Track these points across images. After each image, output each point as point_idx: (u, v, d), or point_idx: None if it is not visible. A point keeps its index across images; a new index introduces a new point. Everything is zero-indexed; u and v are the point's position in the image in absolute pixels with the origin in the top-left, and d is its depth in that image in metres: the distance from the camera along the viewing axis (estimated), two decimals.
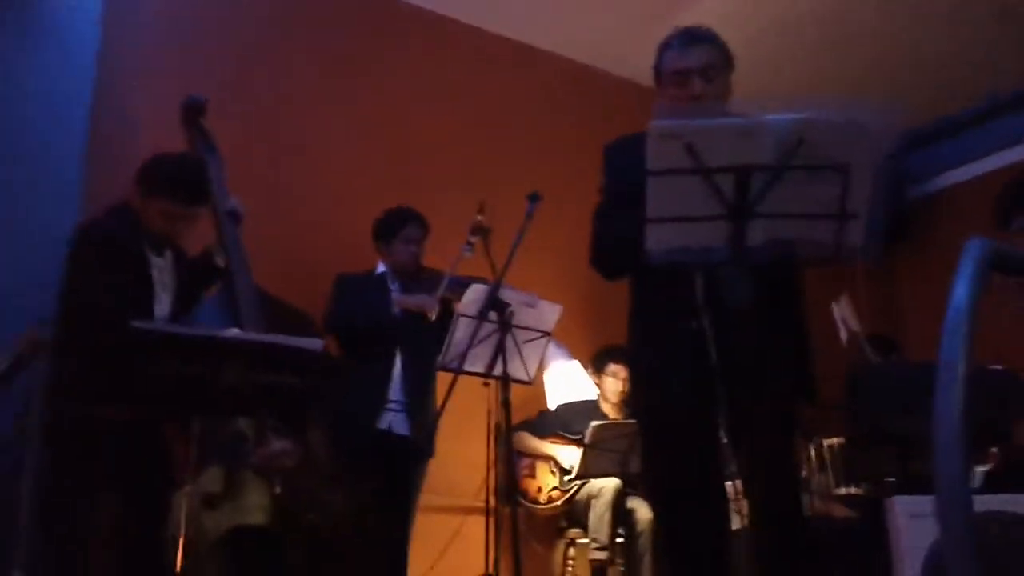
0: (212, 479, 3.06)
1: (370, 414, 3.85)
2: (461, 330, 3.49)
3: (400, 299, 4.01)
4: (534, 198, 3.10)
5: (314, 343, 2.57)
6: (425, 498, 4.11)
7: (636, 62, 5.52)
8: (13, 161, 3.68)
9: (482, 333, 3.54)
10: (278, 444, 3.08)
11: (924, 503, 2.33)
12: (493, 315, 3.47)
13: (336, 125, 4.81)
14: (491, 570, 4.15)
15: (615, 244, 2.53)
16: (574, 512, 4.42)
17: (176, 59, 4.42)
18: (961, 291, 1.36)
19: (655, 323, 2.55)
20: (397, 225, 4.18)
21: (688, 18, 2.68)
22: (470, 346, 3.48)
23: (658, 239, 2.13)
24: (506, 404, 3.12)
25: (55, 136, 3.83)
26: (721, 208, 2.06)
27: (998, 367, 2.62)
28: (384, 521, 3.85)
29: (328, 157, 4.75)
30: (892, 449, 2.58)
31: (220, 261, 3.19)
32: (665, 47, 2.62)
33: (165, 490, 2.85)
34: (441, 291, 3.85)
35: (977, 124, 6.17)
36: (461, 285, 3.73)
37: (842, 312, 3.04)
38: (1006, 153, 5.96)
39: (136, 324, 2.34)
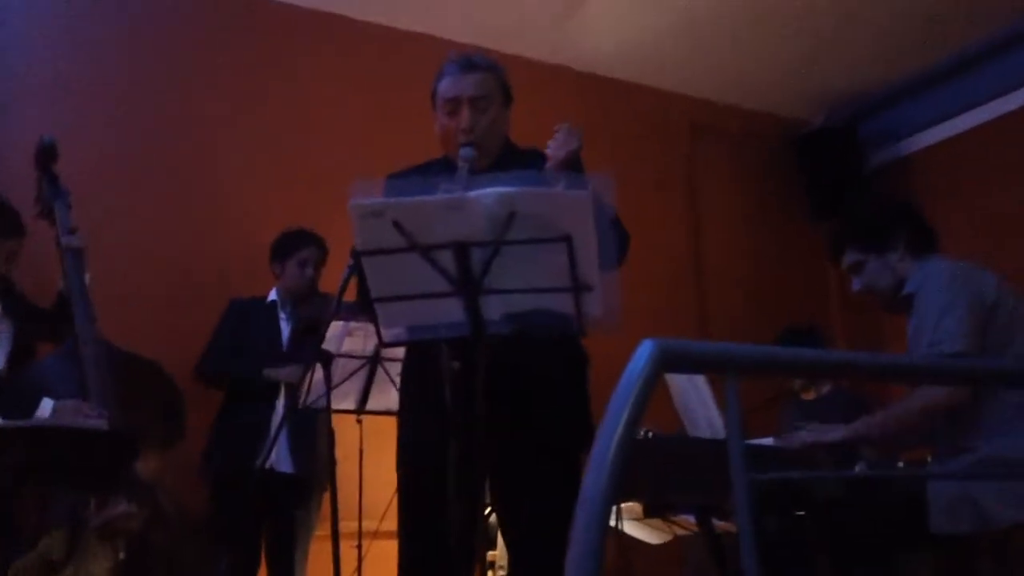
0: (54, 544, 2.99)
1: (249, 454, 3.71)
2: (319, 370, 3.33)
3: (268, 372, 3.78)
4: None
5: (97, 424, 2.51)
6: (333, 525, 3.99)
7: (561, 47, 5.31)
8: None
9: (348, 369, 3.40)
10: (120, 507, 2.99)
11: None
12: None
13: (230, 141, 4.66)
14: None
15: None
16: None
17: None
18: (615, 407, 1.20)
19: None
20: (291, 247, 4.04)
21: None
22: (332, 386, 3.33)
23: (391, 317, 1.99)
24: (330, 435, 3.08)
25: None
26: (448, 284, 1.90)
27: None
28: (273, 564, 3.77)
29: (225, 175, 4.62)
30: None
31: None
32: (441, 72, 2.48)
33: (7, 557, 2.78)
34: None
35: (942, 81, 5.80)
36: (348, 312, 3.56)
37: None
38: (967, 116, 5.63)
39: None
